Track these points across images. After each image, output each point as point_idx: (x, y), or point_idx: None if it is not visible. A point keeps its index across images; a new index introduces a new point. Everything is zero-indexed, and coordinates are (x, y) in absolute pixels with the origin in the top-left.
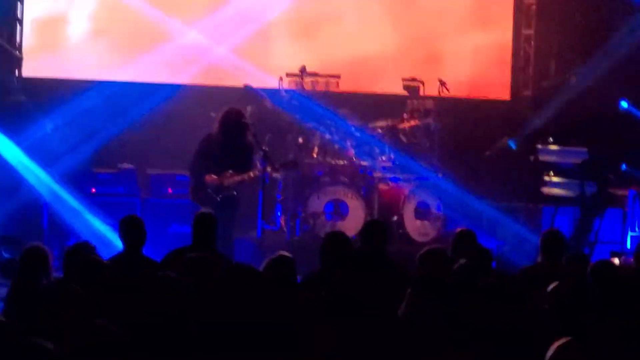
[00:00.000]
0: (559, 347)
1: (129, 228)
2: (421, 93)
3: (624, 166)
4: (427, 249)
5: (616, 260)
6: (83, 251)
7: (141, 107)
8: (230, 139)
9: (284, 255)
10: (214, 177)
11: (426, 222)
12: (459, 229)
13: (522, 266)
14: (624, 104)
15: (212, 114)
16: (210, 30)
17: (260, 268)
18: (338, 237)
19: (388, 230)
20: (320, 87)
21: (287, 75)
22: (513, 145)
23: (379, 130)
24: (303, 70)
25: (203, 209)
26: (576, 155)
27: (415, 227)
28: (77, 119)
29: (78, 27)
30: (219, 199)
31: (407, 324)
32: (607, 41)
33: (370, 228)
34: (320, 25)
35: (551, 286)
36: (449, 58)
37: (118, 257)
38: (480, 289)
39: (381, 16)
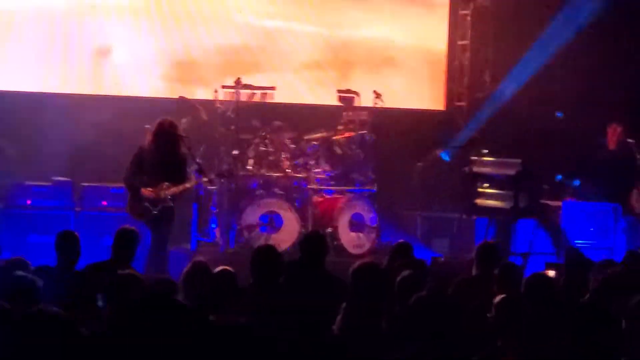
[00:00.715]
0: None
1: (63, 243)
2: (356, 104)
3: (559, 177)
4: (359, 263)
5: (551, 272)
6: (16, 267)
7: (74, 118)
8: (164, 151)
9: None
10: (150, 189)
11: (361, 234)
12: (397, 242)
13: (457, 278)
14: (559, 114)
15: (147, 126)
16: (146, 41)
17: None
18: (267, 250)
19: (326, 243)
20: (255, 99)
21: (222, 87)
22: (446, 157)
23: (314, 142)
24: (238, 82)
25: (125, 225)
26: (510, 167)
27: (349, 239)
28: (7, 131)
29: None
30: (155, 212)
31: (342, 339)
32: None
33: (309, 240)
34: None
35: (497, 299)
36: (384, 69)
37: (50, 273)
38: (414, 302)
39: (316, 28)
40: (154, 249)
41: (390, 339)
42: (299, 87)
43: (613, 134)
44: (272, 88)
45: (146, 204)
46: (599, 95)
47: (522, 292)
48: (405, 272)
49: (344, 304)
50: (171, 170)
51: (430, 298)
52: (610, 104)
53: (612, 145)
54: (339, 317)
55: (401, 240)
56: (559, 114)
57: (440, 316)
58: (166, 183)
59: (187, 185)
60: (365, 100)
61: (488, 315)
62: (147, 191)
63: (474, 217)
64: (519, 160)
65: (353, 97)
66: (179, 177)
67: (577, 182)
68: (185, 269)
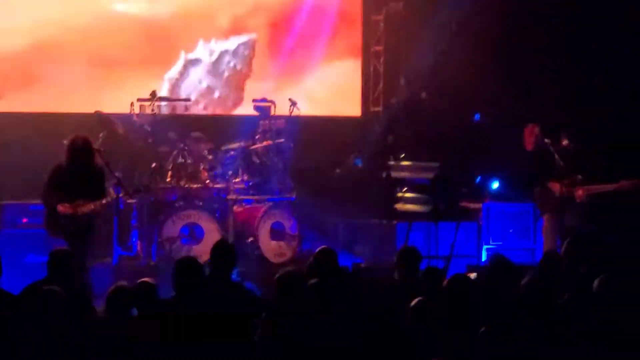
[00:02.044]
0: None
1: None
2: (272, 113)
3: (478, 179)
4: (282, 272)
5: (472, 275)
6: None
7: None
8: (79, 167)
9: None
10: (67, 205)
11: (282, 243)
12: (319, 248)
13: (380, 283)
14: (477, 117)
15: (64, 142)
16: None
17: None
18: (187, 262)
19: (233, 251)
20: (172, 111)
21: (138, 100)
22: (359, 163)
23: (232, 152)
24: (154, 94)
25: (57, 247)
26: (428, 171)
27: (271, 248)
28: None
29: None
30: (73, 228)
31: (264, 348)
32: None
33: (215, 251)
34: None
35: (414, 302)
36: (300, 76)
37: None
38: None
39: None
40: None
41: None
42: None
43: (530, 135)
44: (188, 99)
45: (63, 220)
46: (516, 96)
47: (444, 293)
48: (314, 280)
49: (263, 314)
50: (88, 186)
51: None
52: (527, 105)
53: (529, 146)
54: (260, 326)
55: (323, 247)
56: (476, 117)
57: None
58: (82, 200)
59: (104, 201)
60: (281, 108)
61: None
62: (64, 207)
63: (395, 222)
64: (436, 164)
65: (269, 105)
66: (97, 192)
67: (496, 184)
68: (107, 294)
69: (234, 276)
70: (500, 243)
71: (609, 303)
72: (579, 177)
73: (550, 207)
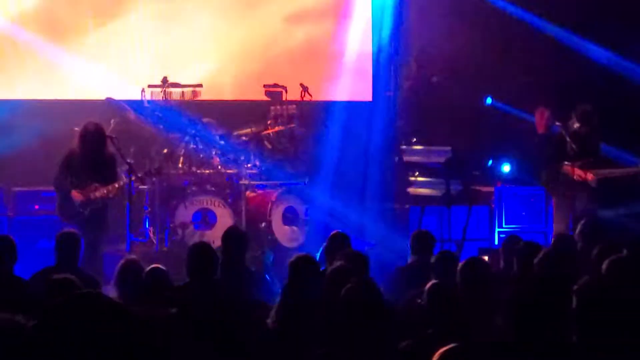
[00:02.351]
0: (443, 352)
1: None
2: (284, 98)
3: (490, 162)
4: (297, 256)
5: (485, 257)
6: None
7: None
8: (91, 153)
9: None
10: (80, 191)
11: (295, 228)
12: (332, 233)
13: (393, 267)
14: (489, 100)
15: (75, 129)
16: (72, 44)
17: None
18: (202, 248)
19: (245, 237)
20: (183, 97)
21: (149, 86)
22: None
23: (244, 138)
24: (165, 80)
25: (65, 229)
26: (440, 155)
27: (283, 233)
28: None
29: None
30: (86, 214)
31: (277, 333)
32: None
33: (226, 238)
34: (179, 35)
35: (428, 285)
36: (310, 62)
37: None
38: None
39: (242, 26)
40: (87, 251)
41: (325, 331)
42: (226, 84)
43: (541, 118)
44: (199, 85)
45: (76, 205)
46: (528, 80)
47: (458, 276)
48: (337, 264)
49: (278, 298)
50: (100, 172)
51: (355, 288)
52: (539, 89)
53: (540, 129)
54: (272, 311)
55: (336, 231)
56: (487, 100)
57: (372, 306)
58: (95, 184)
59: (117, 185)
60: (293, 93)
61: (419, 301)
62: (76, 193)
63: (407, 206)
64: (448, 148)
65: (280, 91)
66: (109, 178)
67: (507, 167)
68: (117, 268)
69: (268, 261)
70: (513, 226)
71: (616, 285)
72: (591, 159)
73: (560, 190)
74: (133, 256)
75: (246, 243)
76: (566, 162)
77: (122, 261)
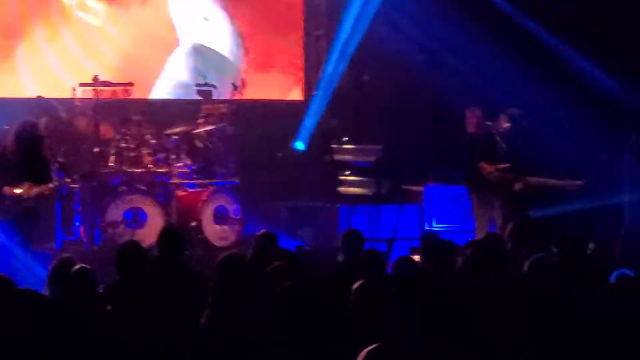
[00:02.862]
0: (368, 352)
1: None
2: (214, 97)
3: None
4: (224, 255)
5: (416, 257)
6: None
7: None
8: (26, 152)
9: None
10: (12, 189)
11: (225, 227)
12: (261, 231)
13: (323, 266)
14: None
15: (6, 127)
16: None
17: None
18: (131, 247)
19: (184, 236)
20: (114, 96)
21: (80, 85)
22: (300, 147)
23: (175, 137)
24: (96, 79)
25: None
26: (371, 154)
27: (214, 232)
28: None
29: None
30: (18, 212)
31: (209, 333)
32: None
33: (165, 236)
34: (110, 33)
35: (355, 285)
36: (240, 61)
37: None
38: (281, 292)
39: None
40: (16, 251)
41: (257, 330)
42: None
43: (472, 117)
44: (131, 84)
45: (8, 203)
46: (458, 79)
47: (390, 276)
48: (276, 263)
49: (209, 298)
50: (34, 171)
51: (295, 288)
52: (467, 88)
53: (471, 128)
54: (206, 311)
55: (265, 230)
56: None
57: (306, 305)
58: (28, 183)
59: (50, 186)
60: (224, 92)
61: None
62: (9, 190)
63: (337, 205)
64: (379, 147)
65: (211, 90)
66: (43, 177)
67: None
68: (51, 266)
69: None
70: (444, 225)
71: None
72: (508, 165)
73: (478, 188)
74: (67, 255)
75: (183, 242)
76: (486, 162)
77: (56, 260)
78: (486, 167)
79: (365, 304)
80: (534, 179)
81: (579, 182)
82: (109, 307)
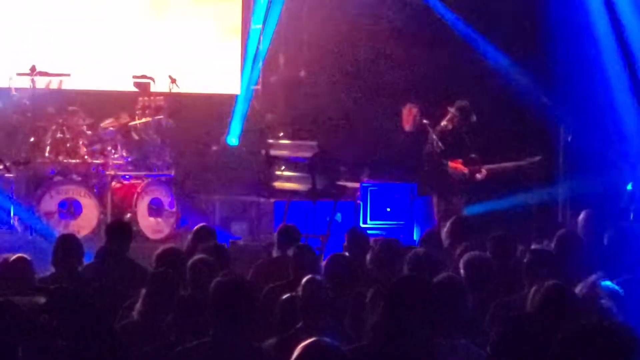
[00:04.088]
0: (304, 347)
1: None
2: (152, 89)
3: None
4: (163, 248)
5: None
6: None
7: None
8: None
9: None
10: None
11: (160, 219)
12: (199, 226)
13: (258, 260)
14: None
15: None
16: None
17: None
18: (67, 238)
19: (131, 230)
20: (51, 86)
21: (17, 74)
22: (233, 142)
23: (111, 128)
24: (33, 69)
25: None
26: (307, 149)
27: (149, 225)
28: None
29: None
30: None
31: (141, 325)
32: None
33: (114, 229)
34: (49, 23)
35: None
36: (179, 54)
37: None
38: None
39: (110, 12)
40: None
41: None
42: (95, 73)
43: (409, 115)
44: (67, 75)
45: None
46: (394, 76)
47: (324, 272)
48: (198, 256)
49: (143, 290)
50: None
51: (226, 282)
52: (405, 85)
53: (407, 126)
54: (138, 303)
55: (202, 224)
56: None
57: (238, 300)
58: None
59: None
60: (161, 85)
61: (293, 295)
62: None
63: (272, 200)
64: (315, 143)
65: (149, 82)
66: None
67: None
68: None
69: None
70: (378, 222)
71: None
72: (472, 155)
73: (441, 188)
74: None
75: (129, 235)
76: (447, 160)
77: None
78: (454, 165)
79: (313, 299)
80: (494, 166)
81: (538, 158)
82: (43, 299)
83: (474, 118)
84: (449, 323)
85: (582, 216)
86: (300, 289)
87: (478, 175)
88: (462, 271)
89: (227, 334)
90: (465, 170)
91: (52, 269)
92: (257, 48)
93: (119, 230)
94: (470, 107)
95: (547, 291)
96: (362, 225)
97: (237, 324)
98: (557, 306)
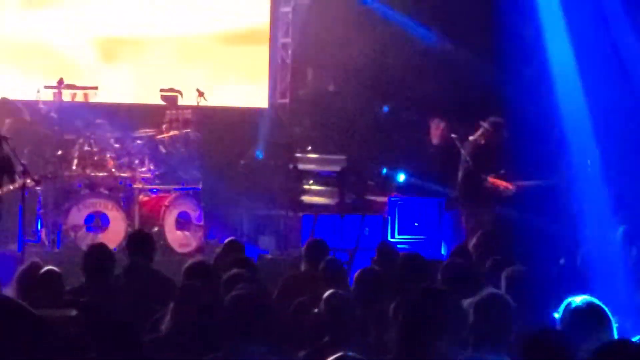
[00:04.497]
0: None
1: None
2: (179, 103)
3: (384, 170)
4: (192, 262)
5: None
6: None
7: None
8: None
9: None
10: None
11: (187, 233)
12: (228, 239)
13: (286, 274)
14: (385, 109)
15: None
16: None
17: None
18: (99, 249)
19: (154, 242)
20: (78, 99)
21: (45, 87)
22: (260, 155)
23: (138, 141)
24: (61, 82)
25: None
26: (335, 163)
27: (176, 238)
28: None
29: None
30: None
31: (169, 340)
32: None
33: (135, 240)
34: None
35: (326, 294)
36: (207, 67)
37: None
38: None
39: (138, 27)
40: None
41: (215, 338)
42: (123, 87)
43: (436, 129)
44: (95, 87)
45: None
46: (423, 90)
47: (352, 287)
48: (233, 271)
49: (171, 304)
50: None
51: (249, 296)
52: (434, 99)
53: (435, 140)
54: (167, 317)
55: (231, 238)
56: (385, 109)
57: (262, 313)
58: None
59: (10, 187)
60: (188, 98)
61: (316, 310)
62: None
63: (300, 214)
64: (343, 157)
65: (176, 95)
66: (4, 178)
67: (401, 176)
68: (19, 270)
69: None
70: (406, 236)
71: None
72: (502, 171)
73: (471, 203)
74: (37, 259)
75: (151, 245)
76: (487, 176)
77: (25, 265)
78: (493, 181)
79: (334, 313)
80: (524, 183)
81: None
82: (74, 312)
83: (506, 134)
84: (490, 340)
85: (620, 231)
86: (322, 303)
87: (509, 188)
88: (503, 285)
89: (240, 349)
90: (510, 186)
91: (82, 280)
92: (285, 61)
93: (140, 241)
94: (502, 123)
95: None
96: (389, 239)
97: (251, 339)
98: (587, 321)
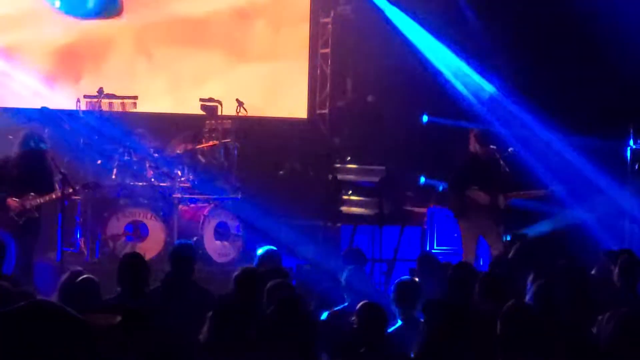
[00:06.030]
0: None
1: None
2: (219, 113)
3: (422, 179)
4: (241, 269)
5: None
6: None
7: None
8: (29, 162)
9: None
10: (16, 200)
11: (226, 243)
12: (266, 250)
13: (323, 284)
14: (425, 118)
15: (10, 137)
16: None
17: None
18: (134, 258)
19: (192, 252)
20: (118, 109)
21: (85, 97)
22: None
23: (178, 151)
24: (100, 91)
25: None
26: (374, 174)
27: (215, 248)
28: None
29: None
30: (21, 222)
31: (208, 349)
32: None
33: (178, 252)
34: (114, 46)
35: (360, 304)
36: (246, 77)
37: None
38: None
39: (177, 37)
40: (19, 260)
41: (255, 347)
42: (163, 96)
43: (474, 139)
44: (135, 97)
45: (11, 214)
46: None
47: (392, 297)
48: (275, 281)
49: (210, 313)
50: (37, 181)
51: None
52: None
53: (474, 149)
54: (205, 326)
55: (269, 248)
56: (424, 119)
57: (299, 324)
58: (32, 193)
59: (53, 196)
60: (228, 108)
61: (352, 319)
62: (12, 201)
63: (339, 225)
64: (382, 167)
65: (216, 105)
66: (45, 187)
67: (441, 186)
68: (63, 279)
69: None
70: (445, 248)
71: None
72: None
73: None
74: (79, 268)
75: (192, 257)
76: (473, 187)
77: (68, 273)
78: (474, 193)
79: (369, 324)
80: (513, 194)
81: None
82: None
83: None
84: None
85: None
86: (355, 314)
87: (501, 203)
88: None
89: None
90: (482, 198)
91: (118, 290)
92: (325, 72)
93: (180, 255)
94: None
95: (620, 319)
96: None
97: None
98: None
